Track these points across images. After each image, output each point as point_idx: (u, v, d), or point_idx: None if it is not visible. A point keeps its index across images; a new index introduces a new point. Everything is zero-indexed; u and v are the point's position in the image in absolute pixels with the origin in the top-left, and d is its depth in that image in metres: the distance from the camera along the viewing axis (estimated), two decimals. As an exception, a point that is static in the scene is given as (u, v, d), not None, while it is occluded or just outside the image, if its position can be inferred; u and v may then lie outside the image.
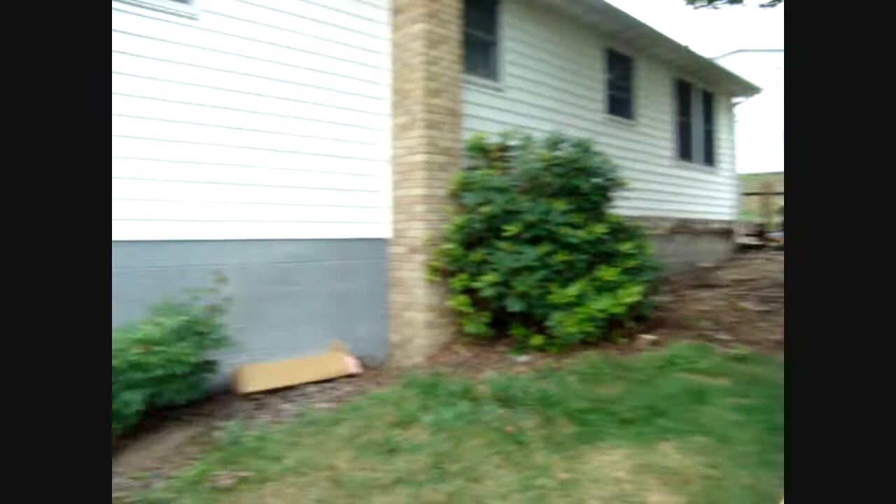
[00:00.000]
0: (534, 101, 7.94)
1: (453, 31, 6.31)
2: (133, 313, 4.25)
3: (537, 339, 5.64)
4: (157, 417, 4.28)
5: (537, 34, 8.11)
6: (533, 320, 5.72)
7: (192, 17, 5.04)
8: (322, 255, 5.75)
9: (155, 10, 4.86)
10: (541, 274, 5.45)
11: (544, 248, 5.54)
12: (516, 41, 7.75)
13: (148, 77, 4.81)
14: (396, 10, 6.29)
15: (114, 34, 4.66)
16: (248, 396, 4.88)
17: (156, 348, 3.78)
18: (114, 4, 4.67)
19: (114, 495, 3.61)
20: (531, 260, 5.45)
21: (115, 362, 3.71)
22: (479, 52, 7.27)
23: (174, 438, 4.17)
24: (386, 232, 6.26)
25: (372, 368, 5.79)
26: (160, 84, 4.87)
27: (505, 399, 4.53)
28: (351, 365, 5.53)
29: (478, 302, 5.83)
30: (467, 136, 6.49)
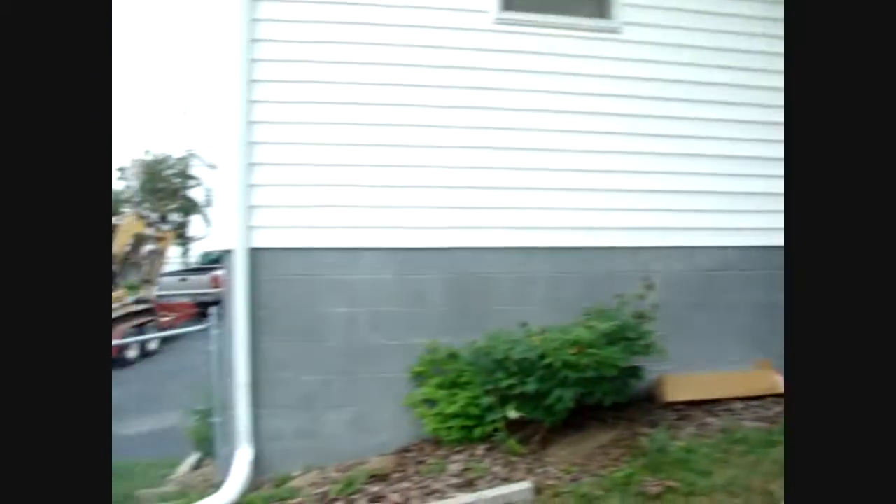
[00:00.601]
0: None
1: None
2: (564, 316, 4.51)
3: None
4: (581, 416, 4.43)
5: None
6: None
7: (613, 31, 5.19)
8: (746, 263, 5.38)
9: (578, 29, 5.13)
10: None
11: None
12: None
13: (570, 93, 5.09)
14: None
15: (543, 57, 5.05)
16: (670, 406, 4.79)
17: (588, 350, 3.94)
18: (542, 31, 5.06)
19: (546, 483, 3.86)
20: None
21: (550, 360, 3.96)
22: None
23: (598, 438, 4.29)
24: (821, 239, 5.62)
25: (803, 389, 5.24)
26: (579, 98, 5.11)
27: None
28: (781, 384, 5.08)
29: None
30: None
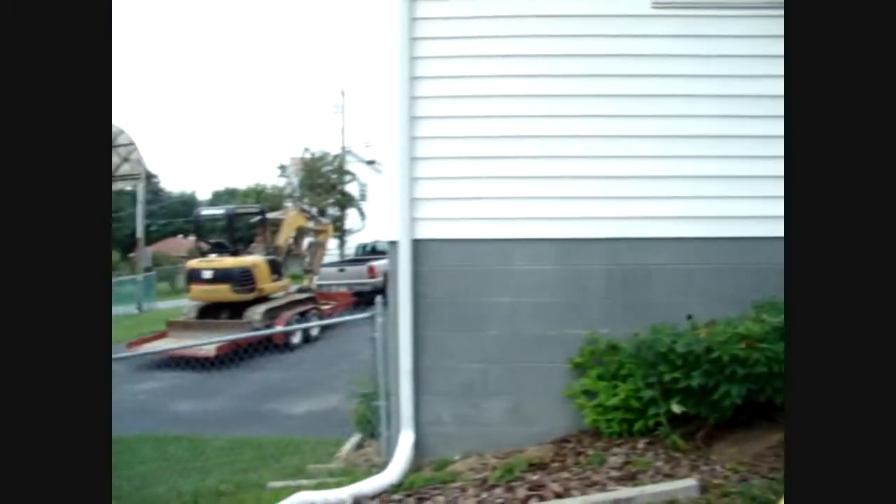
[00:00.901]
0: None
1: None
2: (729, 309, 4.34)
3: None
4: (749, 414, 4.24)
5: None
6: None
7: (780, 7, 4.87)
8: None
9: (740, 7, 4.85)
10: None
11: None
12: None
13: (732, 76, 4.88)
14: None
15: (702, 40, 4.84)
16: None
17: (758, 345, 3.78)
18: (701, 12, 4.85)
19: (713, 481, 3.73)
20: None
21: (716, 354, 3.83)
22: None
23: (768, 439, 4.09)
24: None
25: None
26: (743, 81, 4.88)
27: None
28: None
29: None
30: None
